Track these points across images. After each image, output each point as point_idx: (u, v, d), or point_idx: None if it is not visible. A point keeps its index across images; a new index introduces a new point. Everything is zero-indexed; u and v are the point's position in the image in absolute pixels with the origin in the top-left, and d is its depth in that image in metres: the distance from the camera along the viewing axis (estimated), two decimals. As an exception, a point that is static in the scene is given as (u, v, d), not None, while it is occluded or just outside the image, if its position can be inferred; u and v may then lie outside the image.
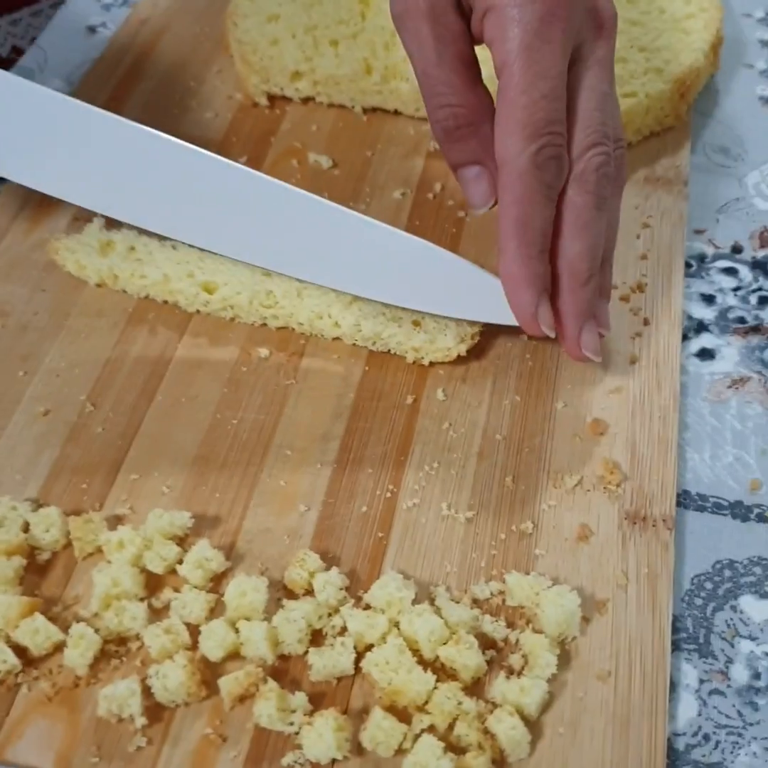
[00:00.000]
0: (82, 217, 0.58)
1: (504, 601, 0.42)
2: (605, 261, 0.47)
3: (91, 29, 0.75)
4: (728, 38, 0.66)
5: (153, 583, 0.43)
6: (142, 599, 0.42)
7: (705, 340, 0.52)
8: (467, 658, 0.39)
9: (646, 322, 0.52)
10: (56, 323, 0.53)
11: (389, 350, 0.50)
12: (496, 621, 0.41)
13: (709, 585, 0.43)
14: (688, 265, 0.56)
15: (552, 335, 0.45)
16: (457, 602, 0.41)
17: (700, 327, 0.53)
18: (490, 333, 0.51)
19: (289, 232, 0.48)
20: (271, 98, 0.65)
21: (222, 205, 0.48)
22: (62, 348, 0.52)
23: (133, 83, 0.68)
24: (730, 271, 0.56)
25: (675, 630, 0.42)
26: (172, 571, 0.43)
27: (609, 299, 0.48)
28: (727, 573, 0.44)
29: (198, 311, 0.53)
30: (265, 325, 0.52)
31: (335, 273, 0.48)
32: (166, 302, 0.53)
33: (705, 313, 0.54)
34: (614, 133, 0.46)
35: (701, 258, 0.56)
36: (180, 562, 0.43)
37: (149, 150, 0.48)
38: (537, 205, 0.43)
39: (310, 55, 0.63)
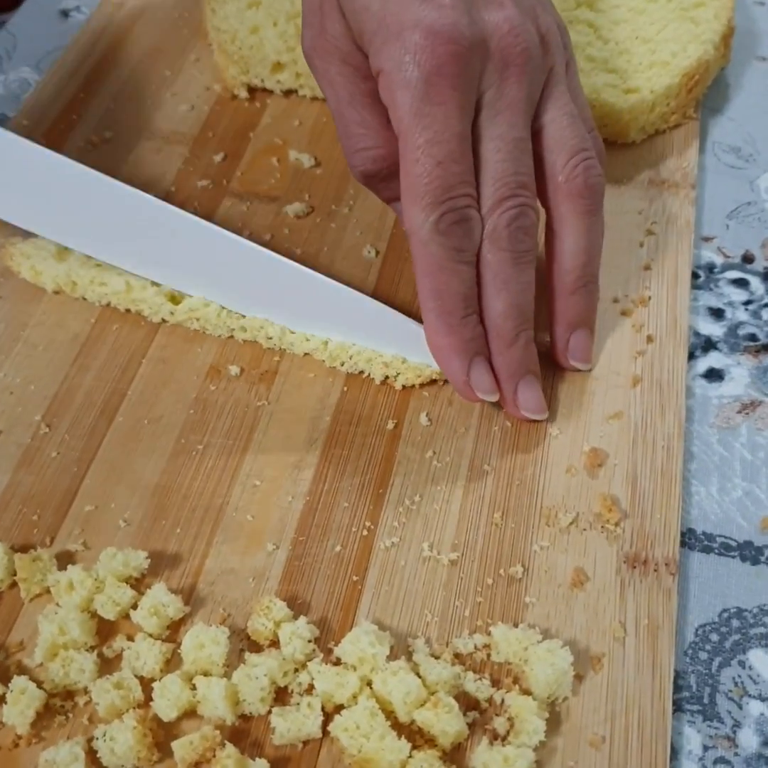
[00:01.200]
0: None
1: (489, 655, 0.38)
2: (589, 282, 0.45)
3: (64, 13, 0.71)
4: (740, 28, 0.61)
5: (105, 630, 0.39)
6: (92, 648, 0.39)
7: (713, 360, 0.48)
8: (447, 723, 0.35)
9: (649, 340, 0.48)
10: (12, 335, 0.49)
11: (361, 372, 0.46)
12: (480, 679, 0.37)
13: (715, 637, 0.39)
14: (695, 276, 0.52)
15: (492, 399, 0.43)
16: (438, 657, 0.38)
17: (708, 345, 0.49)
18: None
19: (233, 277, 0.48)
20: (251, 90, 0.61)
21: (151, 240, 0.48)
22: (17, 362, 0.48)
23: (105, 72, 0.63)
24: (741, 283, 0.52)
25: (677, 688, 0.38)
26: (126, 616, 0.39)
27: (590, 328, 0.46)
28: (735, 623, 0.40)
29: (163, 321, 0.49)
30: (233, 338, 0.48)
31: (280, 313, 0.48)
32: (129, 311, 0.49)
33: (713, 329, 0.50)
34: (574, 152, 0.43)
35: (710, 268, 0.52)
36: (134, 606, 0.39)
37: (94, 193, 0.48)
38: (448, 272, 0.41)
39: (292, 45, 0.58)
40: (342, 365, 0.47)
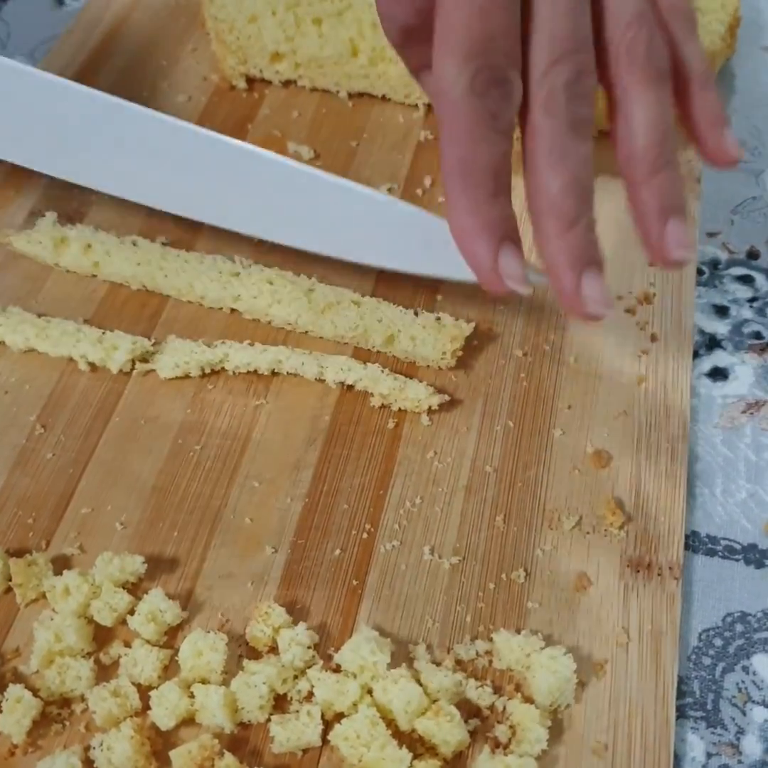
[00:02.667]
0: (39, 211, 0.53)
1: (491, 662, 0.37)
2: (670, 160, 0.37)
3: (60, 1, 0.69)
4: (745, 19, 0.60)
5: (101, 636, 0.39)
6: (88, 654, 0.38)
7: (717, 358, 0.48)
8: (448, 732, 0.34)
9: (653, 339, 0.47)
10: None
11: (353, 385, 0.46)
12: (482, 686, 0.37)
13: (718, 641, 0.39)
14: (699, 272, 0.51)
15: (524, 291, 0.36)
16: (439, 664, 0.37)
17: (713, 343, 0.48)
18: (480, 349, 0.47)
19: (255, 196, 0.46)
20: (250, 81, 0.60)
21: (183, 168, 0.47)
22: (13, 360, 0.47)
23: (100, 61, 0.62)
24: (746, 280, 0.51)
25: (680, 694, 0.38)
26: (123, 622, 0.39)
27: (684, 214, 0.38)
28: (739, 628, 0.39)
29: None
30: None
31: (299, 234, 0.46)
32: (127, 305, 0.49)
33: (717, 327, 0.49)
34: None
35: (714, 264, 0.51)
36: (131, 612, 0.39)
37: (118, 121, 0.47)
38: (480, 140, 0.35)
39: (291, 35, 0.57)
40: (343, 386, 0.46)
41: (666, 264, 0.37)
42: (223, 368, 0.46)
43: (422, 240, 0.43)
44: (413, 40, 0.40)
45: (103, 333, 0.47)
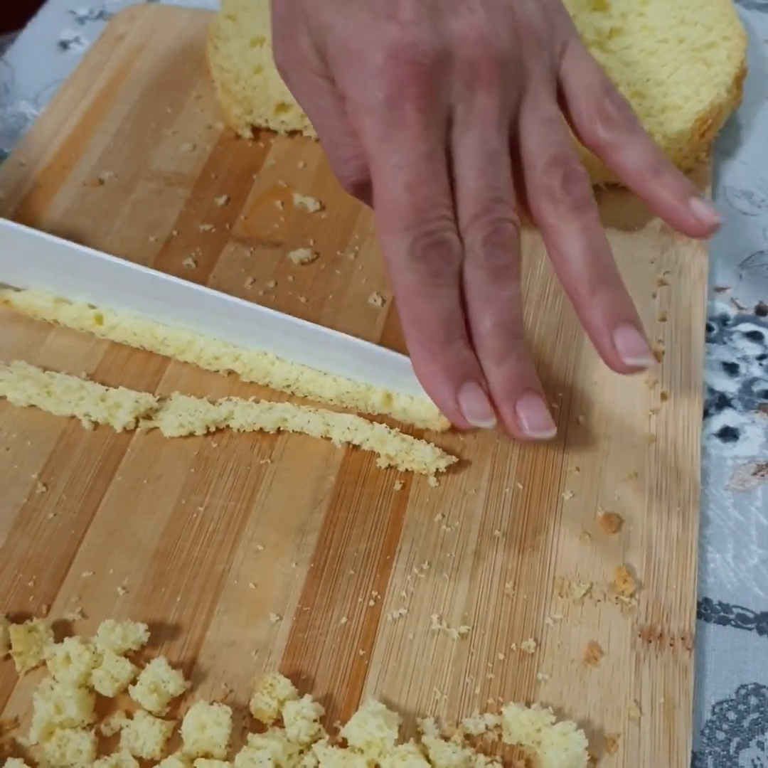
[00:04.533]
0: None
1: (500, 737, 0.37)
2: (607, 276, 0.40)
3: (64, 45, 0.69)
4: (751, 69, 0.60)
5: (102, 706, 0.38)
6: (89, 725, 0.37)
7: (727, 418, 0.47)
8: (458, 812, 0.34)
9: (663, 397, 0.47)
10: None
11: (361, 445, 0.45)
12: (492, 761, 0.36)
13: (732, 715, 0.38)
14: (708, 329, 0.50)
15: (487, 425, 0.38)
16: (447, 738, 0.36)
17: (722, 402, 0.48)
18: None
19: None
20: (255, 130, 0.60)
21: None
22: (14, 416, 0.47)
23: (104, 108, 0.62)
24: (755, 336, 0.50)
25: (694, 770, 0.37)
26: (125, 691, 0.38)
27: (632, 321, 0.39)
28: (754, 701, 0.39)
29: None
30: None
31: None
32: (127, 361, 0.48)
33: (727, 385, 0.49)
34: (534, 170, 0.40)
35: (723, 320, 0.51)
36: (133, 682, 0.38)
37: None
38: (425, 298, 0.38)
39: (296, 85, 0.57)
40: (349, 445, 0.45)
41: (624, 371, 0.39)
42: (227, 426, 0.46)
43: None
44: (366, 189, 0.43)
45: (107, 390, 0.46)
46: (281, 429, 0.46)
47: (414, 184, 0.38)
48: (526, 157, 0.41)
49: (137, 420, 0.46)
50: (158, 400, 0.46)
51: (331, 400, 0.46)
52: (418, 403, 0.45)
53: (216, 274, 0.52)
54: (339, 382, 0.46)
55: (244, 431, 0.46)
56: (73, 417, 0.46)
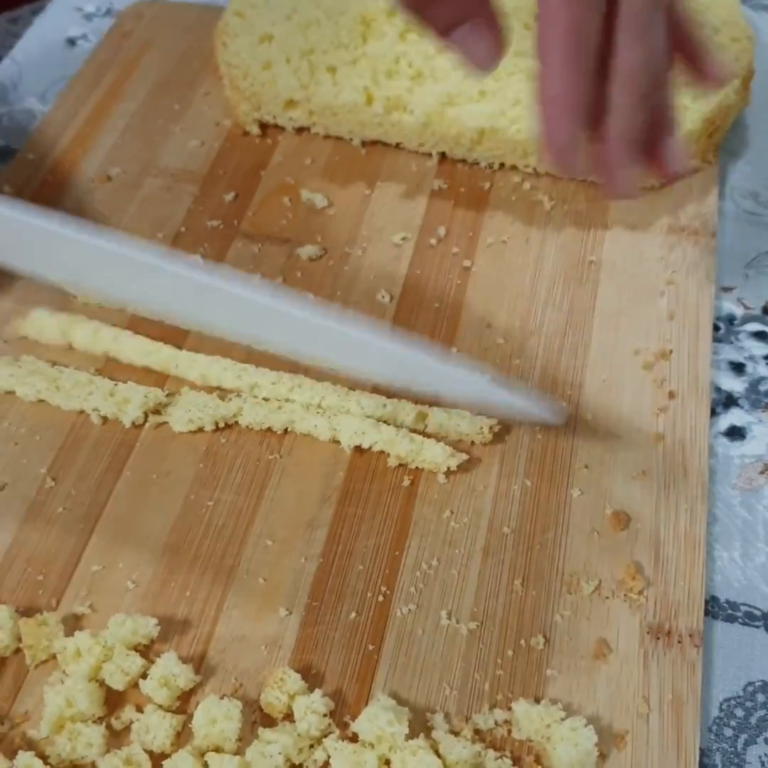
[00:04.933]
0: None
1: (510, 732, 0.37)
2: (664, 85, 0.39)
3: (71, 41, 0.69)
4: (758, 71, 0.60)
5: (112, 699, 0.38)
6: (100, 719, 0.37)
7: (734, 417, 0.47)
8: (468, 807, 0.34)
9: (671, 396, 0.47)
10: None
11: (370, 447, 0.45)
12: (501, 757, 0.36)
13: (740, 712, 0.38)
14: (715, 328, 0.51)
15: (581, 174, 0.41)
16: (457, 733, 0.36)
17: (729, 401, 0.48)
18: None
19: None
20: (263, 126, 0.60)
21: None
22: (23, 410, 0.47)
23: (112, 104, 0.62)
24: (761, 336, 0.51)
25: (702, 767, 0.37)
26: (135, 685, 0.38)
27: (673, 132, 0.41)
28: (761, 698, 0.39)
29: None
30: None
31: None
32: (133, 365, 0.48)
33: (734, 384, 0.49)
34: None
35: (730, 320, 0.51)
36: (144, 675, 0.38)
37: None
38: (590, 5, 0.36)
39: (305, 83, 0.57)
40: (359, 449, 0.45)
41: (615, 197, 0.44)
42: (236, 422, 0.46)
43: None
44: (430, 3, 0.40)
45: (115, 385, 0.46)
46: (289, 430, 0.46)
47: None
48: None
49: (146, 415, 0.46)
50: (167, 395, 0.46)
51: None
52: (458, 417, 0.45)
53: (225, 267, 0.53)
54: (363, 405, 0.45)
55: (251, 428, 0.46)
56: (82, 411, 0.46)
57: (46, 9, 0.73)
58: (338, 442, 0.45)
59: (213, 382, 0.47)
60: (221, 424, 0.46)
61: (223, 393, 0.47)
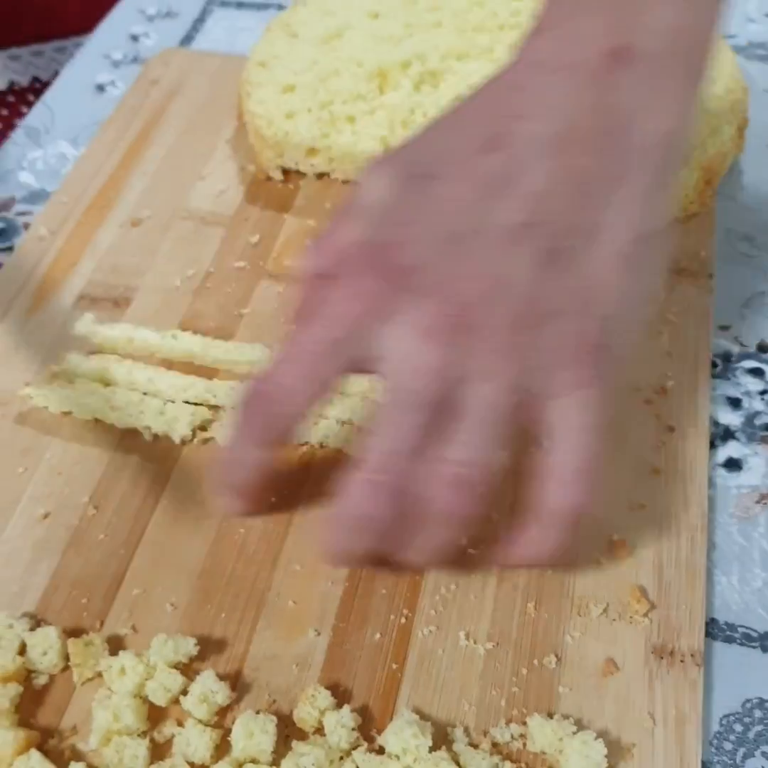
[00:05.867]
0: (88, 294, 0.56)
1: (525, 745, 0.40)
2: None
3: (100, 87, 0.73)
4: (753, 120, 0.64)
5: (154, 714, 0.41)
6: (143, 732, 0.40)
7: (732, 449, 0.50)
8: (487, 814, 0.37)
9: (671, 430, 0.50)
10: (59, 413, 0.51)
11: None
12: (517, 768, 0.39)
13: (738, 727, 0.41)
14: (713, 365, 0.54)
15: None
16: (476, 746, 0.39)
17: (727, 434, 0.51)
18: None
19: None
20: (285, 172, 0.63)
21: None
22: (64, 442, 0.50)
23: (142, 149, 0.66)
24: (757, 372, 0.54)
25: (703, 778, 0.40)
26: (175, 701, 0.41)
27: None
28: (758, 713, 0.42)
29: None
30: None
31: None
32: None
33: (731, 418, 0.52)
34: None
35: (726, 357, 0.54)
36: (184, 692, 0.41)
37: None
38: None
39: (326, 132, 0.61)
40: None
41: None
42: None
43: None
44: None
45: (165, 404, 0.50)
46: (323, 444, 0.49)
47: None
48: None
49: (194, 432, 0.49)
50: (211, 410, 0.50)
51: None
52: None
53: (251, 307, 0.56)
54: None
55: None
56: (121, 441, 0.49)
57: (76, 56, 0.76)
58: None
59: None
60: None
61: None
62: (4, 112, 0.88)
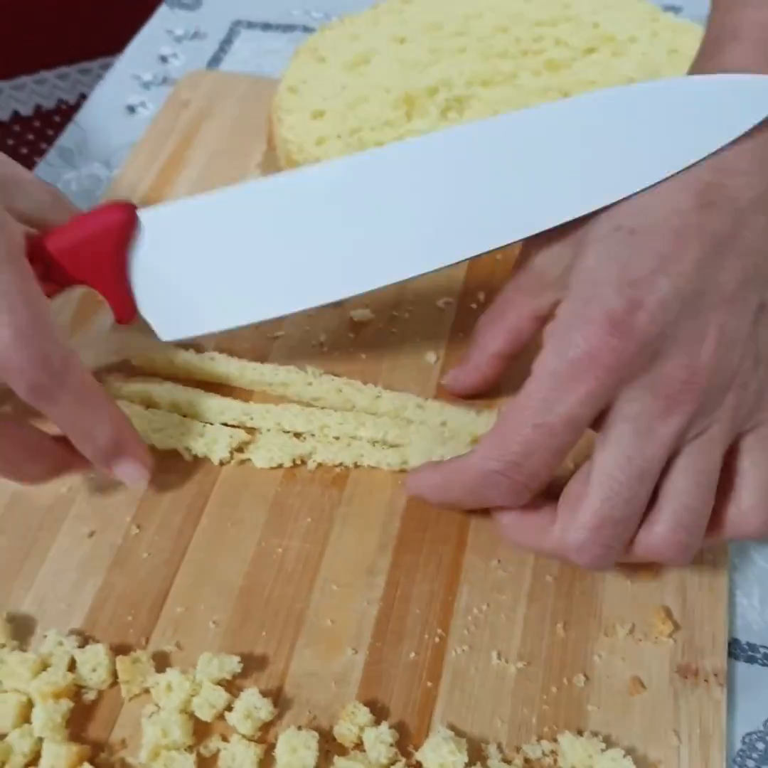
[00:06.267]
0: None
1: (556, 761, 0.41)
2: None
3: (131, 109, 0.75)
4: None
5: (200, 730, 0.43)
6: (189, 747, 0.42)
7: (752, 472, 0.52)
8: (521, 829, 0.38)
9: (693, 454, 0.51)
10: (100, 436, 0.52)
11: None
12: (549, 784, 0.41)
13: (760, 745, 0.43)
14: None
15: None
16: (509, 762, 0.41)
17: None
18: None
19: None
20: (314, 195, 0.65)
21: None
22: (105, 463, 0.52)
23: (174, 172, 0.67)
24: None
25: (727, 794, 0.41)
26: (220, 717, 0.43)
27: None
28: (779, 732, 0.43)
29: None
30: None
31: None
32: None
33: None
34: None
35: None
36: (228, 708, 0.42)
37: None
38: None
39: (356, 158, 0.62)
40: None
41: None
42: (303, 461, 0.51)
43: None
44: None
45: (204, 426, 0.52)
46: (358, 464, 0.51)
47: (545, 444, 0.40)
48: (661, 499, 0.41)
49: (231, 453, 0.51)
50: (249, 431, 0.52)
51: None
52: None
53: (284, 330, 0.57)
54: (423, 435, 0.51)
55: (315, 478, 0.51)
56: (163, 459, 0.51)
57: (106, 77, 0.78)
58: (393, 487, 0.50)
59: (287, 427, 0.52)
60: (298, 462, 0.51)
61: (296, 435, 0.52)
62: (31, 136, 0.90)
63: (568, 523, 0.41)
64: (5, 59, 0.89)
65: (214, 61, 0.79)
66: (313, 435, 0.52)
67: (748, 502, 0.41)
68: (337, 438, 0.52)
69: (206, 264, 0.47)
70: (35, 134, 0.90)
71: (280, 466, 0.51)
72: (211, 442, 0.51)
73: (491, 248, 0.44)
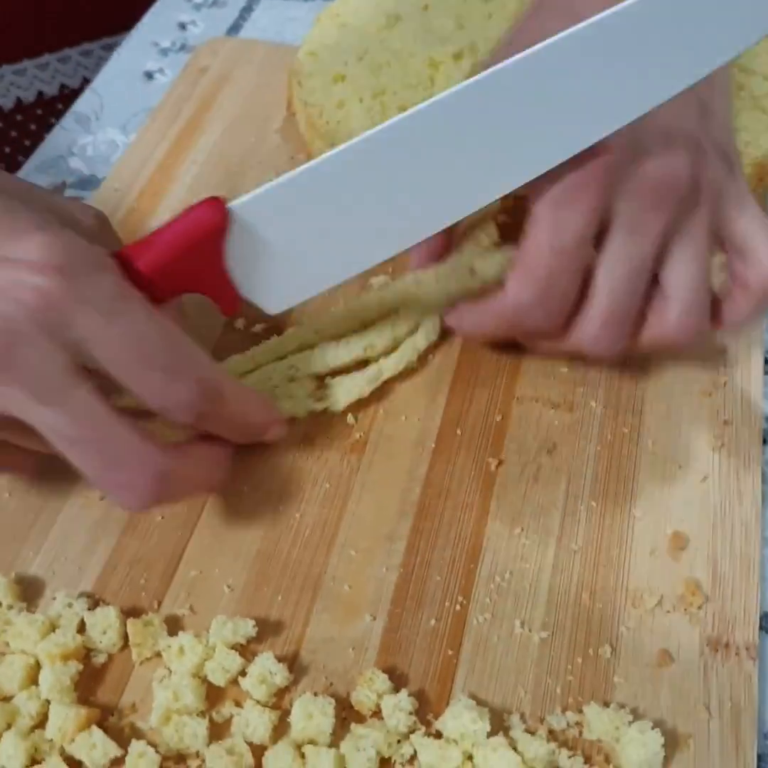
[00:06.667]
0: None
1: (581, 733, 0.40)
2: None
3: (148, 75, 0.73)
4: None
5: (212, 695, 0.41)
6: (202, 712, 0.41)
7: (784, 444, 0.50)
8: (545, 800, 0.37)
9: (726, 424, 0.50)
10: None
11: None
12: (574, 755, 0.39)
13: (793, 720, 0.41)
14: (765, 361, 0.54)
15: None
16: (533, 733, 0.40)
17: (778, 429, 0.51)
18: (562, 429, 0.49)
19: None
20: (335, 161, 0.63)
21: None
22: (119, 425, 0.50)
23: (192, 137, 0.66)
24: (808, 368, 0.54)
25: (759, 770, 0.40)
26: (233, 682, 0.41)
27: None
28: (812, 708, 0.42)
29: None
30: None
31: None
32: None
33: (783, 413, 0.52)
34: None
35: (778, 353, 0.54)
36: (242, 673, 0.41)
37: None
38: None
39: (378, 121, 0.60)
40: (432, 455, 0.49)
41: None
42: (315, 439, 0.49)
43: None
44: None
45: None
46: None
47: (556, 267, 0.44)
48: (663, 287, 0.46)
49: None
50: None
51: None
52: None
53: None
54: None
55: (332, 447, 0.49)
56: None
57: (123, 44, 0.77)
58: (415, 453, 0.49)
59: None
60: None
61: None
62: (33, 126, 0.88)
63: (581, 321, 0.46)
64: (7, 43, 0.88)
65: (234, 28, 0.77)
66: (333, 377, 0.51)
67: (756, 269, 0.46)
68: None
69: (300, 235, 0.46)
70: (37, 124, 0.88)
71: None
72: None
73: (542, 171, 0.44)
